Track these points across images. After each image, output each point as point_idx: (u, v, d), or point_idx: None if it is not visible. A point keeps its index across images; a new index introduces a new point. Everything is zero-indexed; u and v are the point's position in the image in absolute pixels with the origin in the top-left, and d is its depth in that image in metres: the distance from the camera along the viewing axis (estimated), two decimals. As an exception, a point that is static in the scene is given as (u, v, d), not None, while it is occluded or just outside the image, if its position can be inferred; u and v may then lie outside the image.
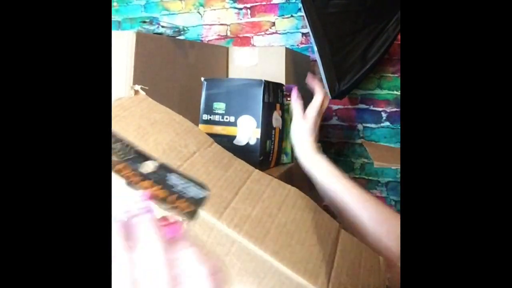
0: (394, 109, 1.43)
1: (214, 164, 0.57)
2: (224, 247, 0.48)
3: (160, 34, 0.98)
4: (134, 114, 0.57)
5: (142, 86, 0.66)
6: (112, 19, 1.85)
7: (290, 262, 0.47)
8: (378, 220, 0.64)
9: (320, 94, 0.79)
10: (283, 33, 1.58)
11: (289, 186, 0.60)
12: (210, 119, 0.79)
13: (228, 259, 0.48)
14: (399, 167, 1.17)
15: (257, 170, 0.60)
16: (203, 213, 0.48)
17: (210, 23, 1.70)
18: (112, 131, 0.32)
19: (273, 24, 1.60)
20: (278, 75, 1.17)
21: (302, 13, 1.38)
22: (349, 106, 1.52)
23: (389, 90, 1.46)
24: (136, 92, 0.65)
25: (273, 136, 0.80)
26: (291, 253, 0.49)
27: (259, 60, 1.22)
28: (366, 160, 1.50)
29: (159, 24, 1.00)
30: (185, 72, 1.05)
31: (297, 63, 1.29)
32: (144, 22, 1.01)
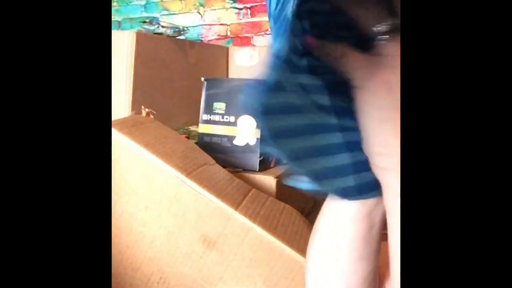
0: (394, 109, 1.43)
1: (221, 176, 0.63)
2: (238, 237, 0.53)
3: (160, 34, 0.98)
4: (149, 128, 0.64)
5: (151, 110, 0.70)
6: (112, 19, 1.85)
7: (299, 250, 0.52)
8: None
9: None
10: (283, 33, 1.58)
11: (283, 203, 0.66)
12: (210, 119, 0.79)
13: (240, 251, 0.53)
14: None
15: (254, 188, 0.67)
16: (220, 203, 0.53)
17: (210, 23, 1.70)
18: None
19: (273, 24, 1.60)
20: (278, 75, 1.17)
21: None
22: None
23: (389, 90, 1.45)
24: (148, 113, 0.70)
25: (273, 136, 0.80)
26: (298, 244, 0.53)
27: (259, 60, 1.22)
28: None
29: (159, 24, 1.00)
30: (185, 72, 1.05)
31: (297, 63, 1.29)
32: (144, 22, 1.01)
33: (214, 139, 0.79)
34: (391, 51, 0.27)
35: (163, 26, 0.99)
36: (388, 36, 0.27)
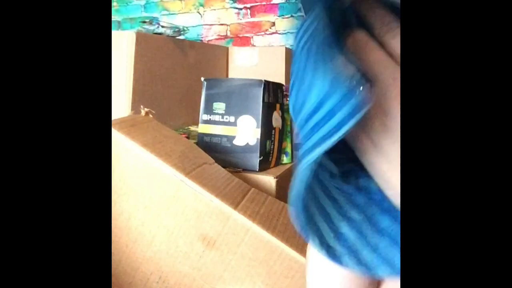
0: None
1: (220, 175, 0.64)
2: (238, 236, 0.53)
3: (160, 34, 0.98)
4: (149, 127, 0.64)
5: (150, 110, 0.70)
6: (112, 19, 1.85)
7: (298, 249, 0.52)
8: None
9: None
10: (283, 33, 1.58)
11: (283, 202, 0.67)
12: (210, 119, 0.79)
13: (240, 250, 0.53)
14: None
15: (253, 188, 0.67)
16: (220, 203, 0.54)
17: (210, 23, 1.70)
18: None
19: (273, 24, 1.60)
20: (278, 75, 1.17)
21: (302, 13, 1.38)
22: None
23: (389, 90, 1.45)
24: (147, 113, 0.70)
25: (273, 136, 0.80)
26: (297, 243, 0.54)
27: (259, 60, 1.22)
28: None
29: (159, 24, 1.00)
30: (185, 72, 1.05)
31: (297, 63, 1.29)
32: (144, 22, 1.01)
33: (214, 139, 0.79)
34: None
35: (163, 26, 1.00)
36: None
